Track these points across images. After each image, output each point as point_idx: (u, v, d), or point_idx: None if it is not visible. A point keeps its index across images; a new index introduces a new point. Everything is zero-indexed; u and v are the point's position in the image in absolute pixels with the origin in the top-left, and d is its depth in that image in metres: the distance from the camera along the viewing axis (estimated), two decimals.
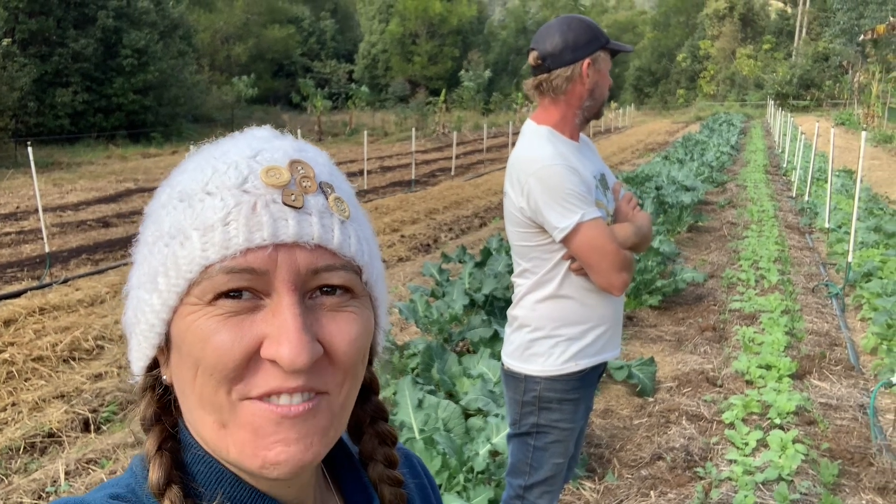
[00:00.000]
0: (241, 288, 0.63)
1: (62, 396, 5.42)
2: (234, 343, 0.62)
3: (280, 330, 0.62)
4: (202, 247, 0.62)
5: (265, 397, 0.63)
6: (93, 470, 4.41)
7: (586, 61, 2.35)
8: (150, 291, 0.65)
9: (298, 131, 14.32)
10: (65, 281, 8.60)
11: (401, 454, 0.85)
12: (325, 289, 0.66)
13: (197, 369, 0.63)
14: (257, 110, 45.90)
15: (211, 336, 0.62)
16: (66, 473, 4.34)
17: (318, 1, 68.23)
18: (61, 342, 6.31)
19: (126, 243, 11.07)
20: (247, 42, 52.93)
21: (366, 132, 22.22)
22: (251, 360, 0.63)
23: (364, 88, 45.08)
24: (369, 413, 0.81)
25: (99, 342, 6.47)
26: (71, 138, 27.84)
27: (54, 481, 4.28)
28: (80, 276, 8.87)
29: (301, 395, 0.63)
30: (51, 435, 4.91)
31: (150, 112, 31.85)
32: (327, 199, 0.66)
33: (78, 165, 22.02)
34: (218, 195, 0.64)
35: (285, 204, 0.63)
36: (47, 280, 8.69)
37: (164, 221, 0.66)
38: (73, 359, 6.15)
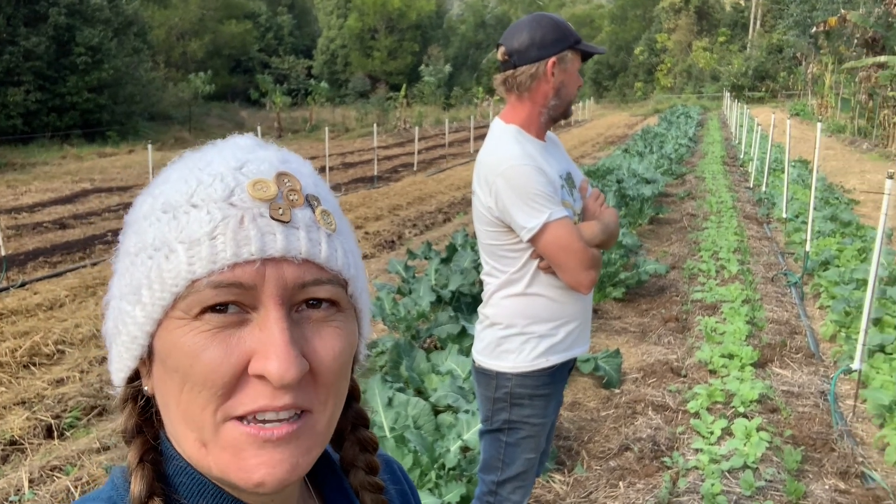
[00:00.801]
0: (228, 302, 0.62)
1: (23, 403, 5.31)
2: (223, 360, 0.61)
3: (268, 345, 0.61)
4: (188, 261, 0.62)
5: (251, 416, 0.63)
6: (57, 477, 4.33)
7: (552, 60, 2.36)
8: (133, 303, 0.64)
9: (258, 128, 14.21)
10: (22, 284, 8.43)
11: (381, 460, 0.85)
12: (311, 302, 0.65)
13: (184, 385, 0.62)
14: (215, 107, 45.35)
15: (200, 353, 0.61)
16: (31, 481, 4.26)
17: None
18: (20, 347, 6.18)
19: (84, 245, 10.89)
20: (203, 38, 52.23)
21: (326, 128, 22.10)
22: (240, 376, 0.62)
23: (323, 84, 44.82)
24: (350, 420, 0.82)
25: (59, 346, 6.35)
26: (24, 138, 27.23)
27: (18, 490, 4.20)
28: (37, 280, 8.69)
29: (287, 412, 0.63)
30: (13, 443, 4.81)
31: (105, 111, 31.26)
32: (314, 212, 0.66)
33: (32, 166, 21.56)
34: (204, 208, 0.63)
35: (273, 218, 0.63)
36: (4, 284, 8.50)
37: (148, 233, 0.65)
38: (34, 364, 6.03)
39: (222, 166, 0.65)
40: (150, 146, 11.77)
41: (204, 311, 0.62)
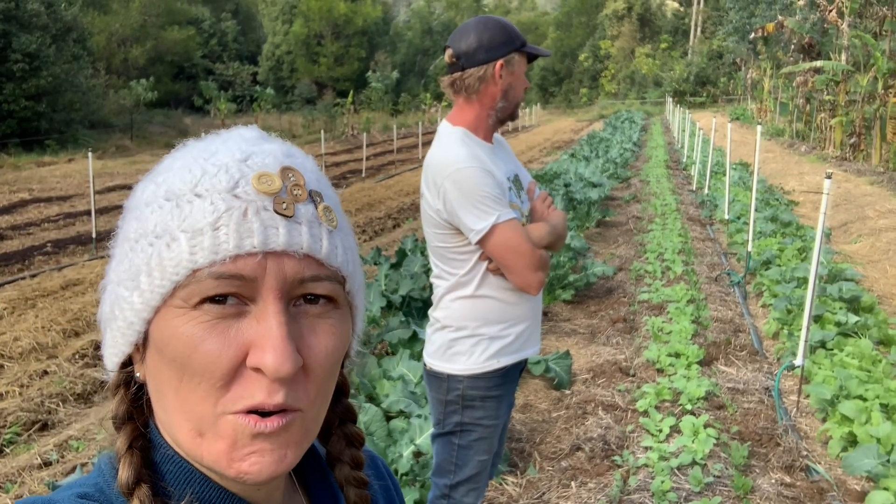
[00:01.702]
0: (228, 293, 0.62)
1: None
2: (222, 351, 0.62)
3: (265, 338, 0.62)
4: (190, 250, 0.62)
5: (247, 412, 0.63)
6: None
7: (499, 62, 2.37)
8: (131, 289, 0.65)
9: (202, 134, 13.97)
10: None
11: (366, 456, 0.86)
12: (308, 297, 0.66)
13: (182, 375, 0.63)
14: (158, 114, 44.58)
15: (199, 343, 0.62)
16: None
17: (218, 1, 66.75)
18: None
19: (23, 256, 10.59)
20: (144, 44, 51.30)
21: (273, 135, 21.83)
22: (238, 368, 0.63)
23: (269, 90, 44.42)
24: (338, 415, 0.82)
25: None
26: None
27: None
28: None
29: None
30: None
31: (43, 118, 30.44)
32: (317, 208, 0.67)
33: None
34: (208, 198, 0.63)
35: (276, 212, 0.64)
36: None
37: (149, 219, 0.65)
38: None
39: (227, 157, 0.66)
40: (90, 154, 11.52)
41: (203, 301, 0.62)
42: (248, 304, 0.63)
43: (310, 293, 0.66)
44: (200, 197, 0.63)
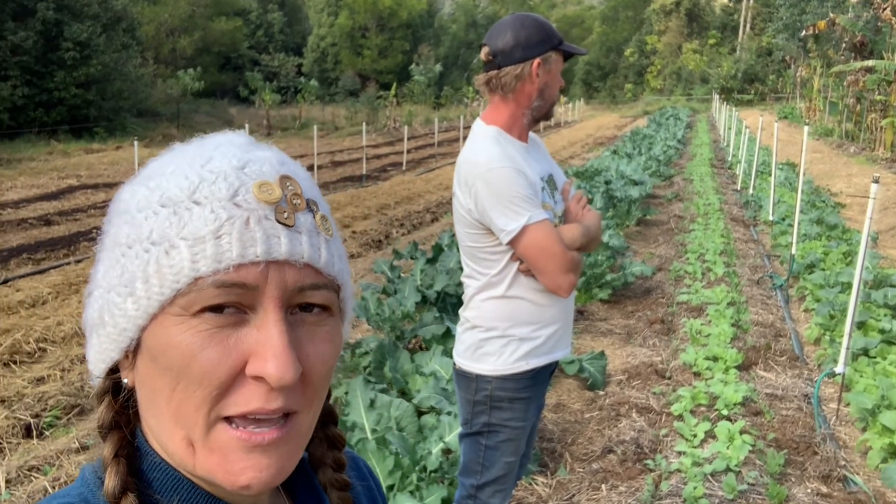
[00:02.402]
0: (229, 303, 0.62)
1: (2, 401, 5.26)
2: (221, 360, 0.62)
3: (267, 346, 0.62)
4: (192, 258, 0.62)
5: (242, 417, 0.63)
6: (35, 477, 4.29)
7: (536, 61, 2.34)
8: (125, 296, 0.64)
9: (247, 125, 14.13)
10: (4, 281, 8.35)
11: (348, 457, 0.86)
12: (304, 305, 0.66)
13: (177, 383, 0.62)
14: (204, 104, 45.15)
15: (197, 353, 0.62)
16: (8, 481, 4.21)
17: None
18: (1, 345, 6.12)
19: (69, 242, 10.80)
20: (192, 35, 51.98)
21: (315, 126, 22.03)
22: (236, 377, 0.62)
23: (313, 82, 44.69)
24: (320, 417, 0.81)
25: (41, 345, 6.29)
26: (10, 134, 27.02)
27: None
28: (20, 277, 8.62)
29: (275, 415, 0.64)
30: None
31: (92, 106, 31.02)
32: (314, 217, 0.68)
33: (18, 162, 21.37)
34: (207, 206, 0.63)
35: (278, 221, 0.64)
36: None
37: (143, 225, 0.64)
38: (14, 362, 5.97)
39: (224, 164, 0.66)
40: (136, 143, 11.71)
41: (203, 309, 0.62)
42: (247, 312, 0.63)
43: (307, 302, 0.66)
44: (199, 204, 0.63)
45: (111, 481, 0.64)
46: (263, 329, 0.62)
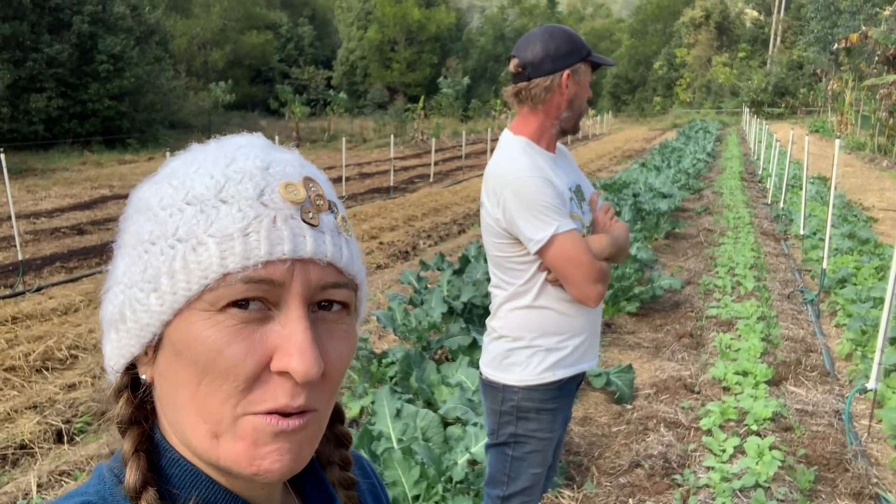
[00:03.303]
0: (256, 297, 0.64)
1: (35, 407, 5.34)
2: (247, 355, 0.63)
3: (292, 342, 0.64)
4: (220, 254, 0.63)
5: (268, 413, 0.64)
6: (66, 482, 4.34)
7: (566, 72, 2.35)
8: (148, 291, 0.65)
9: (276, 137, 14.26)
10: (38, 289, 8.49)
11: (352, 456, 0.87)
12: (323, 303, 0.68)
13: (203, 378, 0.64)
14: (235, 116, 45.66)
15: (224, 348, 0.63)
16: (39, 486, 4.27)
17: (295, 7, 68.05)
18: (34, 352, 6.22)
19: (101, 251, 10.95)
20: (224, 48, 52.67)
21: (344, 139, 22.15)
22: (260, 372, 0.64)
23: (342, 95, 44.98)
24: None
25: (73, 352, 6.39)
26: (45, 144, 27.52)
27: (26, 494, 4.21)
28: (53, 285, 8.76)
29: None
30: (23, 447, 4.83)
31: (125, 118, 31.55)
32: (336, 218, 0.70)
33: (52, 172, 21.77)
34: (235, 204, 0.65)
35: (304, 221, 0.66)
36: (20, 288, 8.57)
37: (168, 223, 0.66)
38: (46, 368, 6.07)
39: (248, 164, 0.67)
40: (168, 154, 11.86)
41: (229, 304, 0.63)
42: (271, 308, 0.65)
43: (328, 299, 0.68)
44: (226, 203, 0.65)
45: (132, 476, 0.65)
46: (288, 325, 0.64)
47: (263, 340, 0.64)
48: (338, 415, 0.84)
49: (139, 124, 32.48)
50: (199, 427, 0.65)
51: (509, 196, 2.27)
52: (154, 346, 0.67)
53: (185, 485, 0.68)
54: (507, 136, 2.45)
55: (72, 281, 8.98)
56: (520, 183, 2.26)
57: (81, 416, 5.22)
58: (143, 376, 0.69)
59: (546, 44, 2.35)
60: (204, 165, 0.68)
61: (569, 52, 2.36)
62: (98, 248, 11.27)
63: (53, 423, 5.09)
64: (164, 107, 35.20)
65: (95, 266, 10.03)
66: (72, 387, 5.74)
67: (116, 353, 0.69)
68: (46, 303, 7.77)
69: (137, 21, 32.57)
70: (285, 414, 0.64)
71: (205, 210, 0.65)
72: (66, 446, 4.90)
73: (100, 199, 16.64)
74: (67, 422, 5.14)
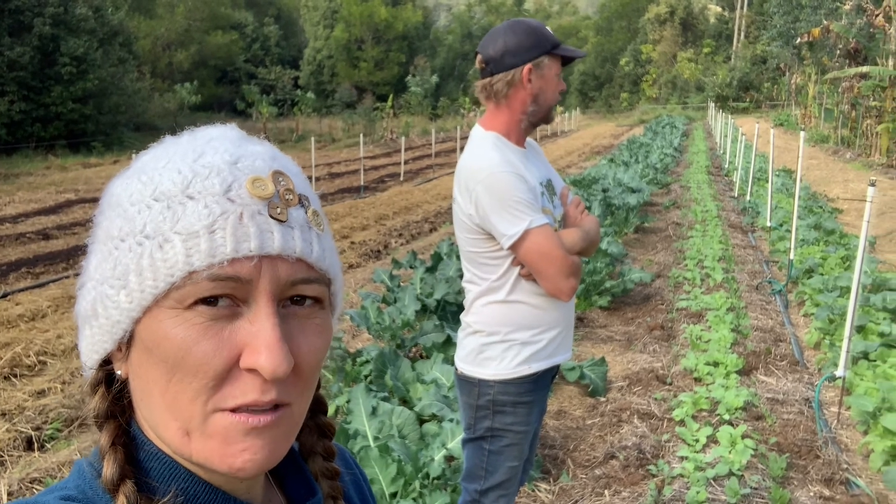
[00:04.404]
0: (223, 295, 0.63)
1: (3, 414, 5.25)
2: (216, 353, 0.63)
3: (260, 339, 0.63)
4: (186, 252, 0.62)
5: (238, 409, 0.64)
6: (37, 489, 4.28)
7: (527, 67, 2.35)
8: (118, 288, 0.65)
9: None
10: (4, 295, 8.35)
11: (335, 447, 0.87)
12: (295, 298, 0.67)
13: (172, 376, 0.63)
14: (201, 117, 45.08)
15: (192, 346, 0.63)
16: (10, 494, 4.20)
17: (261, 6, 67.53)
18: (1, 358, 6.11)
19: (68, 256, 10.80)
20: (189, 49, 52.18)
21: (313, 139, 22.03)
22: (230, 369, 0.63)
23: (310, 94, 44.79)
24: (311, 406, 0.82)
25: (41, 358, 6.29)
26: (8, 149, 27.04)
27: None
28: (19, 291, 8.61)
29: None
30: None
31: (90, 121, 31.13)
32: (306, 212, 0.68)
33: (16, 177, 21.40)
34: (201, 200, 0.64)
35: (271, 216, 0.65)
36: None
37: (136, 219, 0.65)
38: (14, 375, 5.97)
39: (217, 159, 0.66)
40: (134, 156, 11.73)
41: (197, 302, 0.63)
42: (240, 305, 0.64)
43: (299, 294, 0.67)
44: (193, 199, 0.64)
45: (109, 469, 0.65)
46: (256, 322, 0.63)
47: (232, 337, 0.63)
48: (320, 405, 0.84)
49: (104, 127, 32.06)
50: (170, 424, 0.65)
51: (482, 192, 2.28)
52: (126, 343, 0.67)
53: (164, 478, 0.67)
54: (477, 132, 2.46)
55: (39, 286, 8.84)
56: (492, 178, 2.27)
57: (52, 423, 5.14)
58: (119, 372, 0.69)
59: (507, 39, 2.36)
60: (173, 160, 0.67)
61: (530, 46, 2.35)
62: (65, 252, 11.11)
63: (23, 430, 5.01)
64: (128, 109, 34.80)
65: (62, 271, 9.88)
66: (41, 393, 5.65)
67: (90, 348, 0.69)
68: (13, 309, 7.64)
69: (100, 22, 32.14)
70: (256, 410, 0.64)
71: (171, 206, 0.64)
72: (36, 453, 4.82)
73: (65, 203, 16.41)
74: (38, 428, 5.06)
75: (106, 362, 0.70)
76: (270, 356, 0.62)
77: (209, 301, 0.63)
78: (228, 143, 0.69)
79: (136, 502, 0.64)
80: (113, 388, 0.69)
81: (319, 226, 0.69)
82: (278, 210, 0.65)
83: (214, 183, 0.64)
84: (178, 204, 0.64)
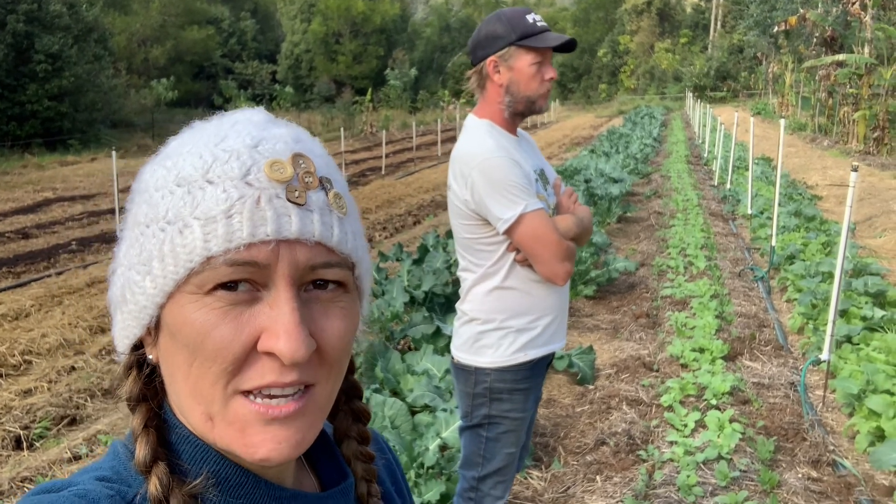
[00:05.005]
0: (241, 279, 0.63)
1: None
2: (234, 337, 0.63)
3: (279, 324, 0.63)
4: (204, 237, 0.62)
5: (258, 392, 0.64)
6: (28, 488, 4.25)
7: (490, 59, 2.36)
8: (143, 274, 0.65)
9: None
10: None
11: (369, 432, 0.87)
12: (318, 282, 0.67)
13: (194, 360, 0.64)
14: (178, 113, 44.89)
15: (211, 330, 0.63)
16: (0, 493, 4.18)
17: (237, 1, 67.06)
18: None
19: (49, 255, 10.71)
20: (165, 44, 51.72)
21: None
22: (250, 353, 0.63)
23: (288, 89, 44.65)
24: (345, 391, 0.83)
25: (26, 357, 6.24)
26: None
27: None
28: (1, 290, 8.53)
29: (292, 388, 0.65)
30: None
31: (66, 118, 30.78)
32: (327, 195, 0.68)
33: None
34: (220, 185, 0.64)
35: (289, 200, 0.64)
36: None
37: (160, 205, 0.65)
38: (0, 375, 5.92)
39: (238, 143, 0.66)
40: (114, 153, 11.64)
41: (216, 287, 0.63)
42: (260, 290, 0.64)
43: (320, 278, 0.67)
44: (212, 184, 0.64)
45: (142, 451, 0.65)
46: (275, 307, 0.63)
47: (251, 322, 0.63)
48: (355, 390, 0.84)
49: (80, 124, 31.71)
50: (195, 408, 0.66)
51: (477, 177, 2.29)
52: (154, 328, 0.67)
53: (196, 460, 0.68)
54: (471, 120, 2.48)
55: (20, 286, 8.75)
56: (487, 164, 2.29)
57: (40, 422, 5.11)
58: (150, 357, 0.69)
59: (480, 30, 2.41)
60: (196, 145, 0.67)
61: (495, 38, 2.35)
62: (45, 251, 11.01)
63: (11, 429, 4.97)
64: (105, 106, 34.45)
65: (44, 270, 9.80)
66: (28, 392, 5.61)
67: (121, 333, 0.70)
68: None
69: (75, 19, 31.77)
70: (278, 396, 0.64)
71: (192, 192, 0.64)
72: (25, 453, 4.79)
73: (43, 202, 16.24)
74: (26, 428, 5.03)
75: (138, 346, 0.70)
76: (289, 340, 0.62)
77: (228, 286, 0.63)
78: (252, 126, 0.69)
79: (168, 484, 0.65)
80: (144, 371, 0.70)
81: (342, 209, 0.68)
82: (296, 193, 0.65)
83: (234, 167, 0.64)
84: (198, 189, 0.64)
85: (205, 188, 0.64)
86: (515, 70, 2.36)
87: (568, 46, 2.39)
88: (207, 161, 0.65)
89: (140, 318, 0.67)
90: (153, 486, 0.64)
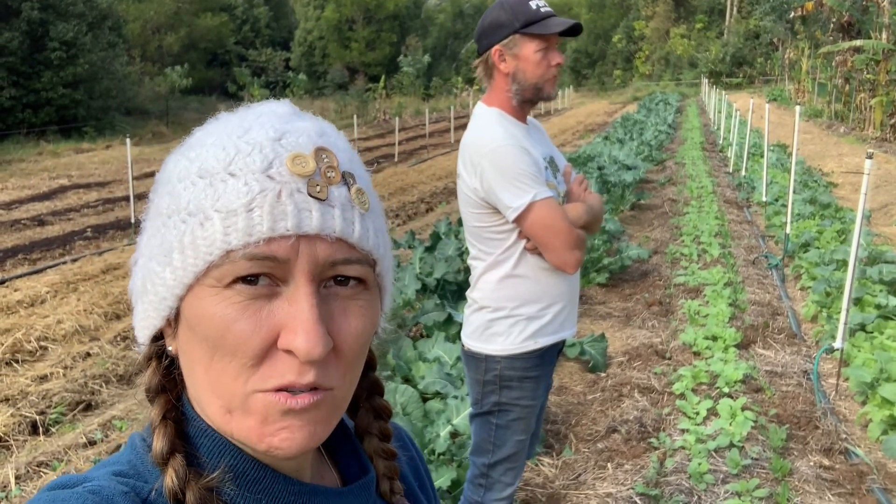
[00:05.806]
0: (261, 274, 0.63)
1: (7, 400, 5.27)
2: (254, 332, 0.62)
3: (297, 320, 0.62)
4: (224, 230, 0.62)
5: (277, 391, 0.64)
6: (44, 473, 4.31)
7: (494, 49, 2.36)
8: (164, 265, 0.65)
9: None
10: (2, 282, 8.34)
11: (392, 428, 0.87)
12: (338, 278, 0.66)
13: (214, 354, 0.63)
14: (192, 101, 45.04)
15: (231, 324, 0.62)
16: (17, 478, 4.24)
17: None
18: (2, 344, 6.12)
19: (64, 241, 10.79)
20: (179, 32, 51.76)
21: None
22: (268, 349, 0.63)
23: (302, 76, 44.63)
24: (366, 388, 0.83)
25: (42, 343, 6.30)
26: None
27: (4, 486, 4.18)
28: (17, 277, 8.60)
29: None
30: None
31: (81, 106, 30.87)
32: (349, 190, 0.67)
33: (8, 163, 21.27)
34: (242, 178, 0.63)
35: (310, 195, 0.63)
36: None
37: (182, 196, 0.65)
38: (17, 361, 5.98)
39: (261, 135, 0.65)
40: (128, 140, 11.68)
41: (235, 280, 0.63)
42: (279, 284, 0.64)
43: (340, 275, 0.66)
44: (234, 176, 0.63)
45: (159, 443, 0.65)
46: (294, 303, 0.62)
47: (270, 317, 0.63)
48: (376, 387, 0.84)
49: (95, 112, 31.81)
50: (213, 402, 0.65)
51: (487, 165, 2.29)
52: (174, 320, 0.67)
53: (214, 454, 0.68)
54: (480, 108, 2.47)
55: (36, 272, 8.83)
56: (497, 152, 2.28)
57: (56, 407, 5.17)
58: (170, 348, 0.69)
59: (485, 19, 2.40)
60: (220, 136, 0.67)
61: (499, 26, 2.34)
62: (61, 238, 11.09)
63: (27, 414, 5.03)
64: (119, 93, 34.52)
65: (59, 257, 9.87)
66: (44, 378, 5.67)
67: (141, 324, 0.70)
68: (12, 295, 7.64)
69: (89, 6, 31.81)
70: (295, 391, 0.63)
71: (213, 184, 0.64)
72: (41, 438, 4.85)
73: (59, 189, 16.34)
74: (42, 413, 5.08)
75: (158, 337, 0.70)
76: (306, 338, 0.61)
77: (248, 280, 0.62)
78: (276, 118, 0.68)
79: (185, 476, 0.64)
80: (164, 362, 0.70)
81: (364, 205, 0.67)
82: (318, 188, 0.64)
83: (256, 160, 0.63)
84: (220, 181, 0.64)
85: (227, 181, 0.63)
86: (521, 58, 2.35)
87: (573, 31, 2.36)
88: (230, 153, 0.65)
89: (160, 310, 0.67)
90: (169, 478, 0.64)
